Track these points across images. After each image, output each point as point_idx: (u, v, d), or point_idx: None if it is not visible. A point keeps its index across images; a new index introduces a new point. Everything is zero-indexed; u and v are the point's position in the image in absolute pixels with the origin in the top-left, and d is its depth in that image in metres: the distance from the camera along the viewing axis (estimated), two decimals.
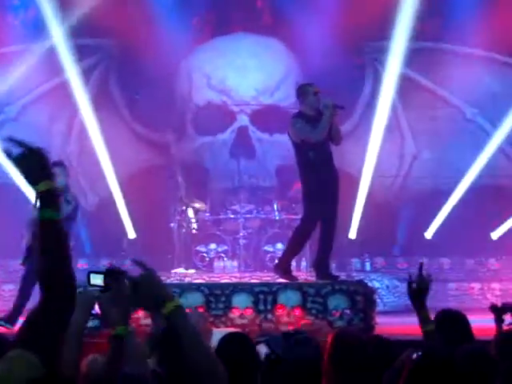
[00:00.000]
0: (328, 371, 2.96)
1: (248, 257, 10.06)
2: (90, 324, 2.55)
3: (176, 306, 2.14)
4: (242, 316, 6.40)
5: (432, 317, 3.46)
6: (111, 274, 2.42)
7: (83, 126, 11.45)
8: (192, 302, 6.54)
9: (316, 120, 6.86)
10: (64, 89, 11.25)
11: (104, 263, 10.33)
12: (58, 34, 11.13)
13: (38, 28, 11.25)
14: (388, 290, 9.93)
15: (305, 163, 6.94)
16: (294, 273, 7.45)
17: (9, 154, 2.06)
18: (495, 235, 10.98)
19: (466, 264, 11.05)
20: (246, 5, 12.24)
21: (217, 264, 9.82)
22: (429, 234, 11.19)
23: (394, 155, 11.78)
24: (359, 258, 10.79)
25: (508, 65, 11.51)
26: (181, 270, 9.44)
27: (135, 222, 11.34)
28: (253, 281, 7.81)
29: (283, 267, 7.13)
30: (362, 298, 6.48)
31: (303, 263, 9.65)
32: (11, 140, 2.07)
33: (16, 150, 2.07)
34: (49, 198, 2.05)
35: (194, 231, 10.29)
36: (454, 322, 3.83)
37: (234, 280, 8.05)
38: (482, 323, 4.61)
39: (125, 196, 11.31)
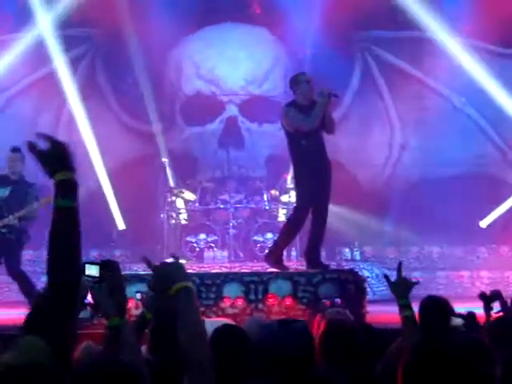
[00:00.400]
0: (320, 360, 2.97)
1: (238, 247, 10.05)
2: (82, 315, 2.55)
3: (185, 285, 2.16)
4: (233, 306, 6.38)
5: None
6: (106, 265, 2.44)
7: (71, 116, 11.40)
8: None
9: (309, 109, 6.84)
10: (51, 79, 11.18)
11: (94, 254, 10.31)
12: (45, 24, 11.06)
13: (25, 18, 11.16)
14: (378, 279, 9.94)
15: (297, 152, 6.92)
16: (285, 263, 7.45)
17: (33, 147, 2.15)
18: (484, 223, 11.03)
19: (456, 252, 11.11)
20: None
21: (207, 254, 9.80)
22: (418, 223, 11.20)
23: (382, 144, 11.81)
24: (349, 248, 10.80)
25: (496, 53, 11.53)
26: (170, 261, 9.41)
27: (125, 213, 11.30)
28: (243, 270, 7.79)
29: (274, 257, 7.11)
30: (353, 287, 6.49)
31: (293, 253, 9.67)
32: (39, 136, 2.17)
33: (41, 144, 2.16)
34: (65, 187, 2.15)
35: (183, 221, 10.29)
36: (437, 308, 3.85)
37: (225, 270, 8.04)
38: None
39: (114, 187, 11.27)
